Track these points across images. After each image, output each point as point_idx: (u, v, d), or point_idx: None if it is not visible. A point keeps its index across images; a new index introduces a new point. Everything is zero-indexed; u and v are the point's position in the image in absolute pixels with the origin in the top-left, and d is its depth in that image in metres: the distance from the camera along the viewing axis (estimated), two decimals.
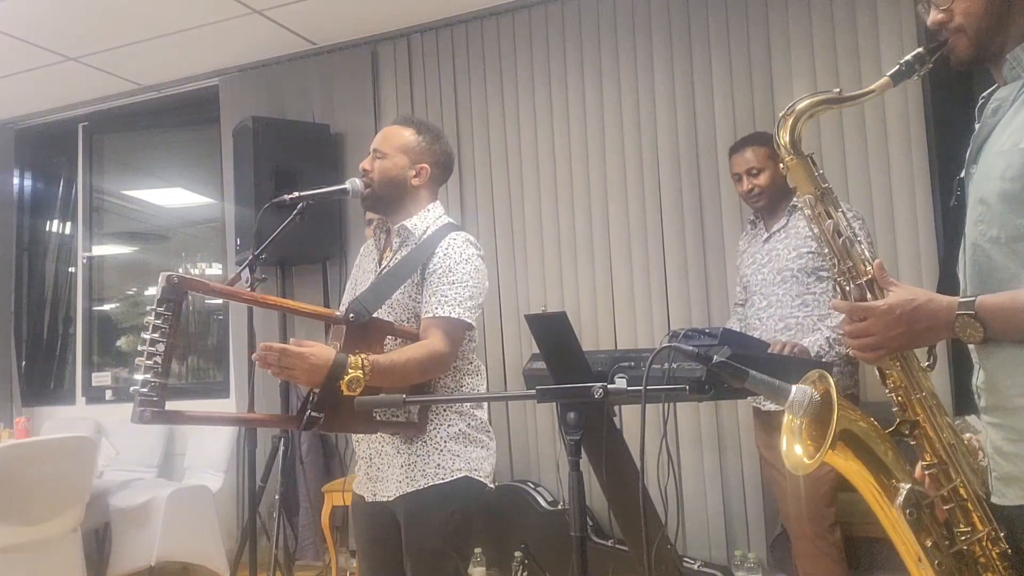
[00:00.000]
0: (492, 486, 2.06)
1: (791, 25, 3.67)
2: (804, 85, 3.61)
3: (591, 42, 4.07)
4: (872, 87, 1.35)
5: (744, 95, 3.74)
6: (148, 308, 1.63)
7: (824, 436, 1.25)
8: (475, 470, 1.98)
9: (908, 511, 1.26)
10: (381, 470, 2.00)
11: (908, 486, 1.28)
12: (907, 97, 3.41)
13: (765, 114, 3.68)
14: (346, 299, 2.17)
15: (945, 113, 3.44)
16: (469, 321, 1.95)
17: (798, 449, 1.32)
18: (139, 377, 1.59)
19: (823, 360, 2.59)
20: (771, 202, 2.91)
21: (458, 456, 1.96)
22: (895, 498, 1.27)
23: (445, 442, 1.96)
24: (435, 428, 1.96)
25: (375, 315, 1.93)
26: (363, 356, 1.78)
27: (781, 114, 1.37)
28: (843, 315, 1.30)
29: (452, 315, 1.92)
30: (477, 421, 2.03)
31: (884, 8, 3.51)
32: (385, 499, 1.98)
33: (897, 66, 1.34)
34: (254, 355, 1.75)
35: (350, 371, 1.74)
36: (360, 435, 2.07)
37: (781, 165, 1.39)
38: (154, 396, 1.60)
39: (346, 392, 1.73)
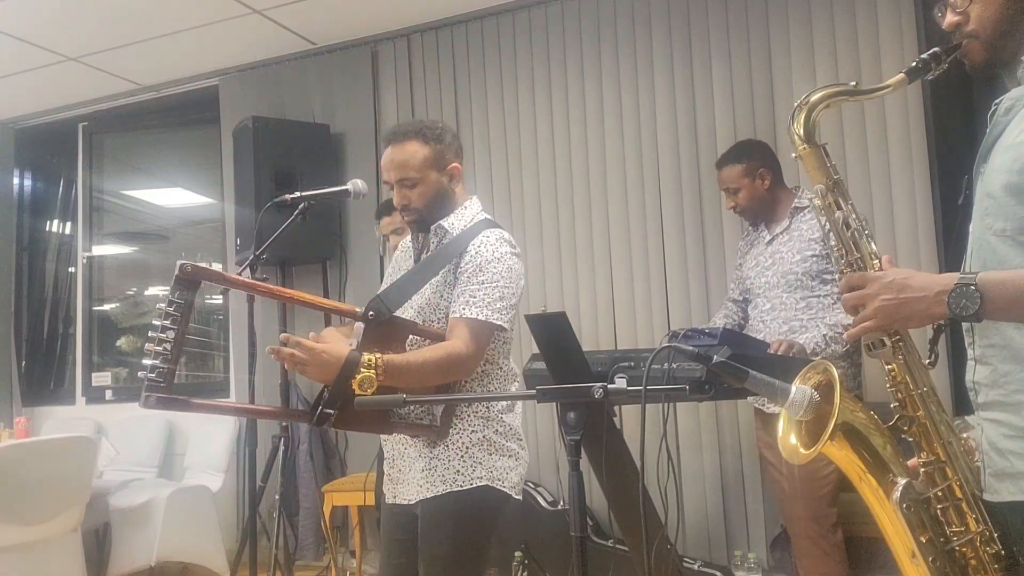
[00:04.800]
0: (518, 497, 1.95)
1: (791, 26, 3.67)
2: (804, 86, 3.60)
3: (591, 42, 4.06)
4: (888, 83, 1.36)
5: (744, 95, 3.74)
6: (162, 295, 1.65)
7: (822, 427, 1.25)
8: (498, 479, 1.90)
9: (905, 505, 1.26)
10: (402, 472, 1.97)
11: (905, 480, 1.28)
12: (907, 97, 3.41)
13: (765, 114, 3.69)
14: None
15: (945, 113, 3.44)
16: (498, 323, 1.87)
17: (793, 439, 1.32)
18: (148, 362, 1.60)
19: (819, 357, 2.59)
20: (757, 215, 3.00)
21: (480, 464, 1.89)
22: (892, 492, 1.27)
23: (467, 448, 1.89)
24: (458, 433, 1.90)
25: (399, 313, 1.88)
26: (377, 355, 1.73)
27: (796, 103, 1.39)
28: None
29: (479, 316, 1.85)
30: (506, 427, 1.94)
31: (884, 9, 3.51)
32: (406, 502, 1.95)
33: (913, 63, 1.34)
34: (269, 348, 1.73)
35: (362, 370, 1.70)
36: (386, 436, 2.02)
37: (794, 155, 1.40)
38: (161, 382, 1.60)
39: (357, 391, 1.69)
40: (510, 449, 1.94)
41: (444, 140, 2.00)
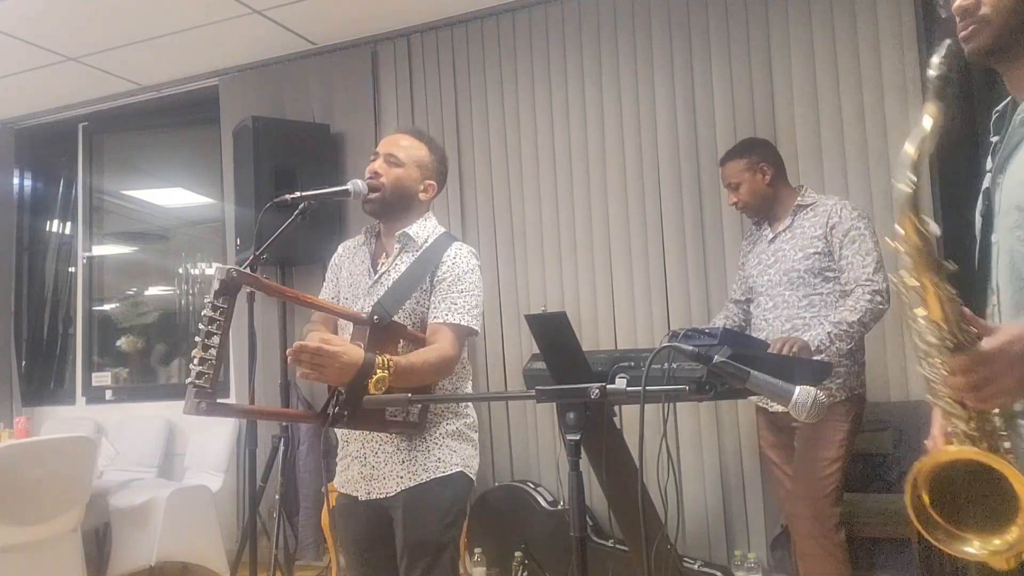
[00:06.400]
0: (475, 485, 2.15)
1: (791, 26, 3.67)
2: (804, 86, 3.61)
3: (591, 42, 4.06)
4: (928, 118, 1.23)
5: (744, 95, 3.74)
6: (206, 301, 1.69)
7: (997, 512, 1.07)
8: (468, 467, 2.07)
9: None
10: (377, 468, 2.03)
11: None
12: (907, 98, 3.41)
13: (765, 114, 3.69)
14: (330, 297, 2.20)
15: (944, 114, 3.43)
16: (474, 327, 2.05)
17: (974, 547, 1.10)
18: (194, 369, 1.63)
19: (823, 355, 2.58)
20: (759, 210, 2.99)
21: (455, 452, 2.04)
22: None
23: (443, 439, 2.04)
24: (433, 426, 2.04)
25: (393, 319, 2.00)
26: (388, 357, 1.84)
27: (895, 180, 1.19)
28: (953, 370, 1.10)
29: (460, 322, 2.01)
30: (471, 420, 2.12)
31: (884, 9, 3.51)
32: (383, 496, 2.02)
33: (931, 86, 1.21)
34: (288, 351, 1.79)
35: (378, 371, 1.80)
36: (350, 435, 2.13)
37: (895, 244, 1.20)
38: (209, 388, 1.63)
39: (372, 391, 1.79)
40: (473, 440, 2.12)
41: (440, 164, 2.18)
